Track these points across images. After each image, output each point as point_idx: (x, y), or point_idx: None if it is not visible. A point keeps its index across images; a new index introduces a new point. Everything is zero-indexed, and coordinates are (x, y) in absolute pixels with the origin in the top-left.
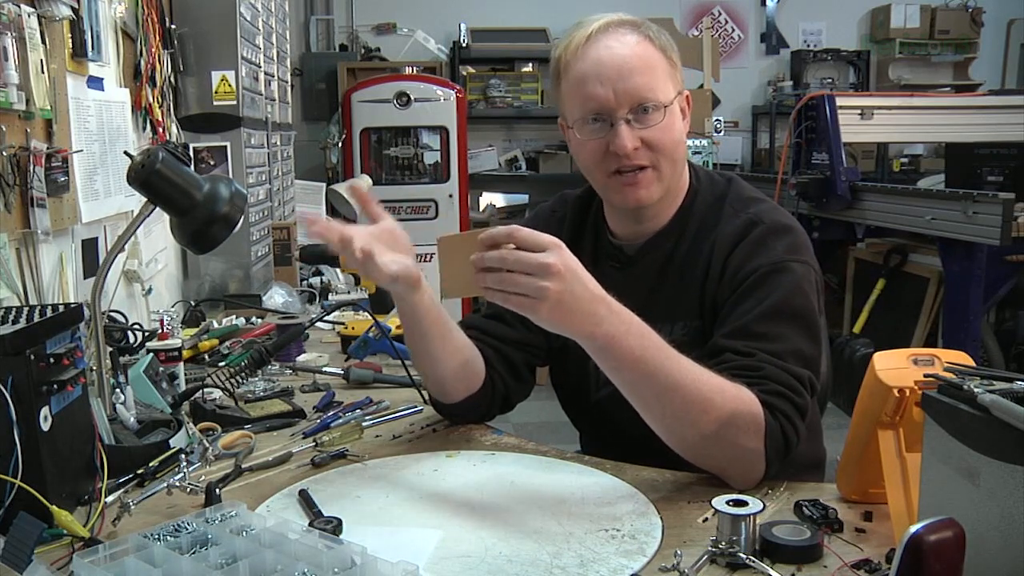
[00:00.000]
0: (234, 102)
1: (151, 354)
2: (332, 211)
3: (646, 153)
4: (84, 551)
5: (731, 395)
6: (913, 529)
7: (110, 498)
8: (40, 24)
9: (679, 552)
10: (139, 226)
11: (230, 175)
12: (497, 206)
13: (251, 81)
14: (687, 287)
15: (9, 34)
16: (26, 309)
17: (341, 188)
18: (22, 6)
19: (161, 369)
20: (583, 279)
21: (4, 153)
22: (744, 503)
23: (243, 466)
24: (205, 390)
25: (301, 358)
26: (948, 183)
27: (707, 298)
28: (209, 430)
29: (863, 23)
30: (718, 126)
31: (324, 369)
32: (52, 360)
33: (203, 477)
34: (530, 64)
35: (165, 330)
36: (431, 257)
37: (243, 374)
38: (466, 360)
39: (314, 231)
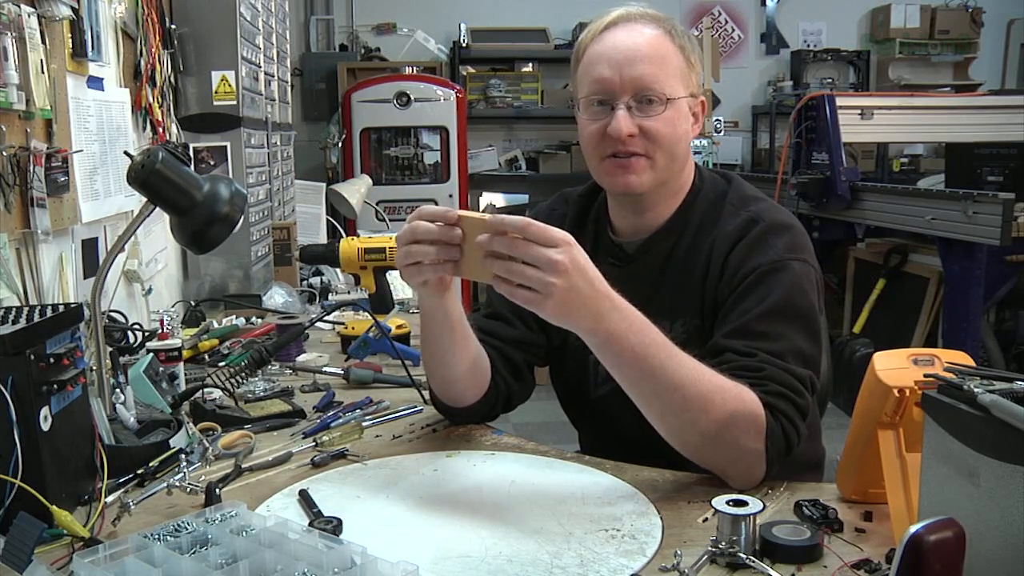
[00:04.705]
0: (234, 102)
1: (151, 354)
2: (332, 211)
3: (642, 142)
4: (84, 551)
5: (732, 395)
6: (913, 529)
7: (110, 498)
8: (40, 24)
9: (679, 552)
10: (139, 226)
11: (230, 175)
12: (497, 206)
13: (251, 81)
14: (687, 285)
15: (9, 34)
16: (26, 309)
17: (341, 188)
18: (22, 6)
19: (161, 369)
20: (590, 276)
21: (4, 153)
22: (744, 503)
23: (243, 466)
24: (205, 390)
25: (301, 358)
26: (948, 183)
27: (707, 297)
28: (209, 430)
29: (863, 23)
30: (718, 126)
31: (324, 369)
32: (52, 360)
33: (203, 477)
34: (530, 64)
35: (165, 330)
36: None
37: (243, 374)
38: (476, 363)
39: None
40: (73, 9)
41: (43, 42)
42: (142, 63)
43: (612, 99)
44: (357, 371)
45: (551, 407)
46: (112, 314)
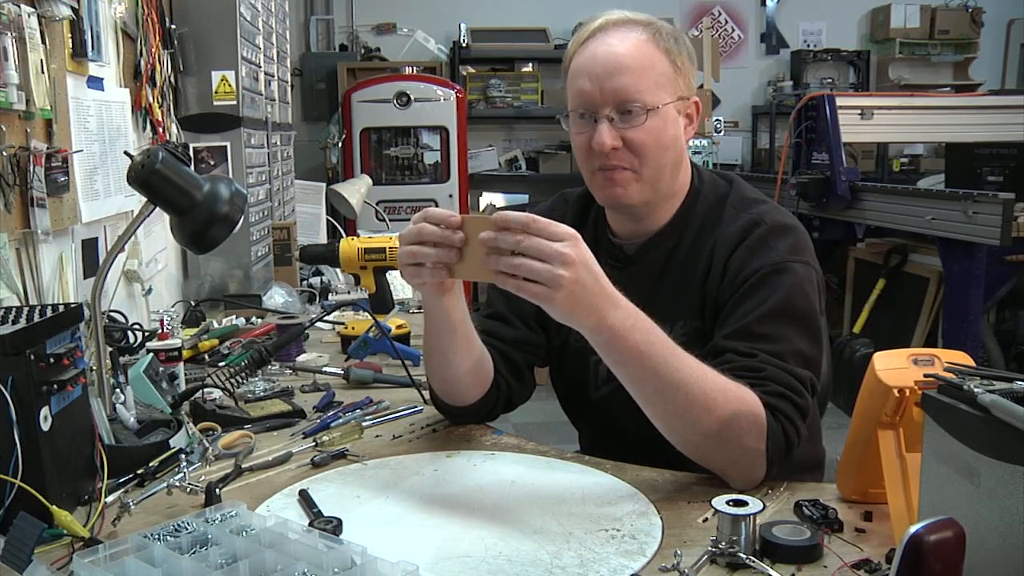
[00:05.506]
0: (234, 102)
1: (151, 354)
2: (332, 211)
3: (626, 154)
4: (84, 551)
5: (734, 395)
6: (913, 529)
7: (110, 498)
8: (40, 24)
9: (679, 552)
10: (139, 226)
11: (230, 175)
12: (497, 206)
13: (251, 81)
14: (687, 287)
15: (9, 34)
16: (26, 309)
17: (341, 188)
18: (22, 6)
19: (161, 369)
20: (595, 272)
21: (4, 153)
22: (744, 503)
23: (243, 466)
24: (205, 390)
25: (301, 358)
26: (948, 183)
27: (708, 298)
28: (209, 430)
29: (863, 23)
30: (718, 126)
31: (324, 369)
32: (52, 360)
33: (203, 477)
34: (530, 64)
35: (165, 330)
36: None
37: (243, 374)
38: (478, 363)
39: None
40: (73, 9)
41: (43, 42)
42: (142, 63)
43: (594, 112)
44: (357, 371)
45: (551, 407)
46: (112, 314)
